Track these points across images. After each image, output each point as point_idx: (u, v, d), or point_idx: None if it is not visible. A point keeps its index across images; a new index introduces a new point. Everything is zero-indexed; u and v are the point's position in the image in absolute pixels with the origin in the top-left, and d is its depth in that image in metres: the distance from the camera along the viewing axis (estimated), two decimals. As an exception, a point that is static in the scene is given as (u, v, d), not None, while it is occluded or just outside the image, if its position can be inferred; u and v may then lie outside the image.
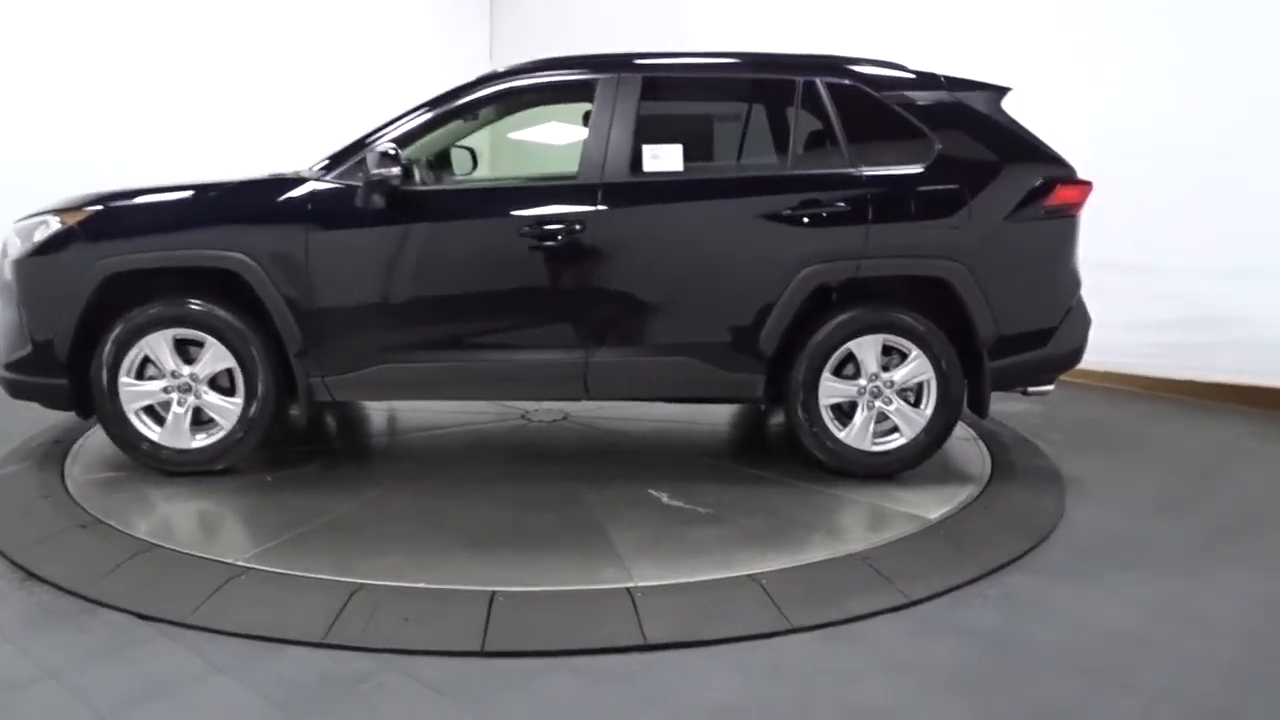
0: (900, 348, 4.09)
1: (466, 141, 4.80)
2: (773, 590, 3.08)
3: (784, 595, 3.05)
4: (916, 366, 4.08)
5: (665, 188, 4.06)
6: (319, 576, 3.13)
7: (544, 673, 2.66)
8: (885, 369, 4.10)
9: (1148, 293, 6.09)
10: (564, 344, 4.03)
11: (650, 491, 3.98)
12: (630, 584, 3.09)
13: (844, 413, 4.16)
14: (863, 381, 4.10)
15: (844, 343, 4.07)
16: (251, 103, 8.30)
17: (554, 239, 3.94)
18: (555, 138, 6.71)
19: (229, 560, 3.23)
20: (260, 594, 3.04)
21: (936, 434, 4.12)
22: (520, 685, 2.59)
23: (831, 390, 4.11)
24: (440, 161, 4.70)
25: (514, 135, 7.82)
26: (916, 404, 4.13)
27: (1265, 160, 5.65)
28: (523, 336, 4.07)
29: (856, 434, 4.12)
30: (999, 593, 3.20)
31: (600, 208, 3.97)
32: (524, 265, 3.98)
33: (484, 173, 5.58)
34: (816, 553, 3.38)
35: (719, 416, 5.32)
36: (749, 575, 3.18)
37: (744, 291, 4.04)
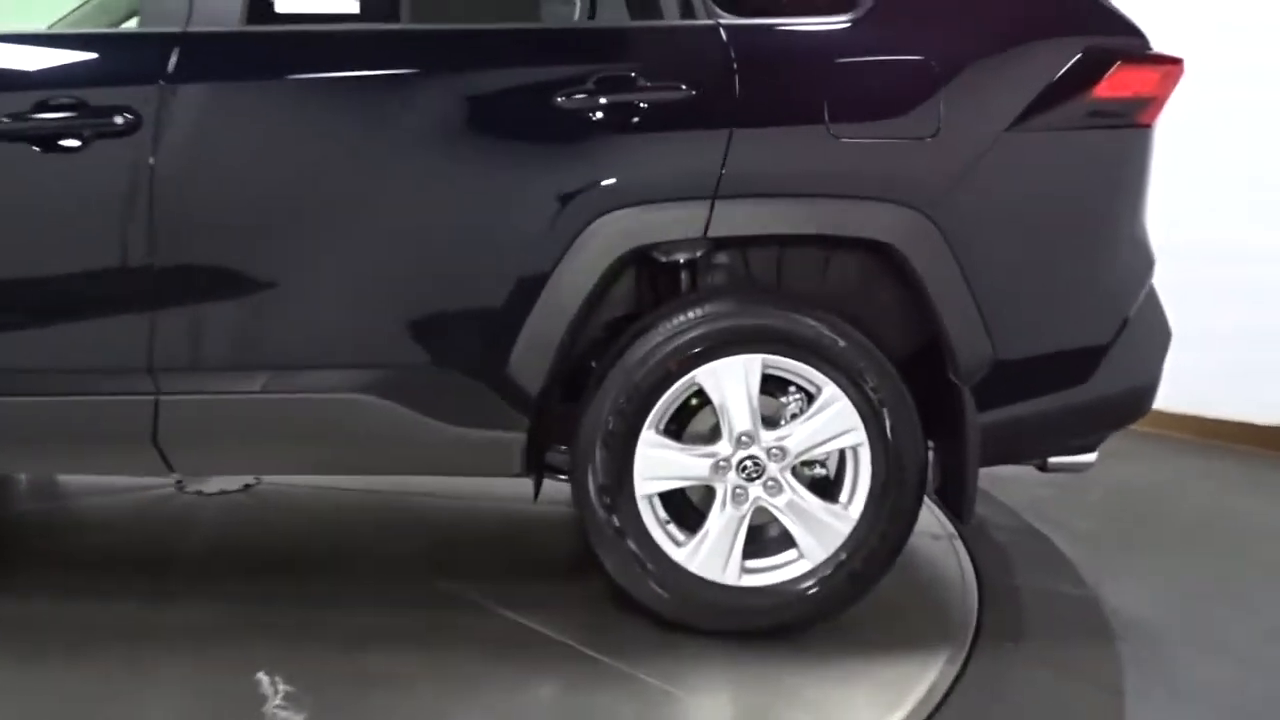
0: (801, 381, 2.04)
1: None
2: None
3: None
4: (832, 420, 2.02)
5: (315, 47, 2.02)
6: None
7: None
8: (771, 424, 2.05)
9: (1229, 286, 3.89)
10: (104, 366, 1.97)
11: (262, 678, 1.90)
12: None
13: (688, 509, 2.12)
14: (723, 447, 2.04)
15: (686, 370, 2.01)
16: None
17: (71, 139, 1.89)
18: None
19: None
20: None
21: (871, 554, 2.06)
22: None
23: (661, 463, 2.04)
24: None
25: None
26: (832, 494, 2.08)
27: None
28: (15, 351, 2.00)
29: (710, 551, 2.05)
30: None
31: (175, 85, 1.91)
32: (8, 196, 1.93)
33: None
34: None
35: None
36: None
37: (476, 260, 1.99)
